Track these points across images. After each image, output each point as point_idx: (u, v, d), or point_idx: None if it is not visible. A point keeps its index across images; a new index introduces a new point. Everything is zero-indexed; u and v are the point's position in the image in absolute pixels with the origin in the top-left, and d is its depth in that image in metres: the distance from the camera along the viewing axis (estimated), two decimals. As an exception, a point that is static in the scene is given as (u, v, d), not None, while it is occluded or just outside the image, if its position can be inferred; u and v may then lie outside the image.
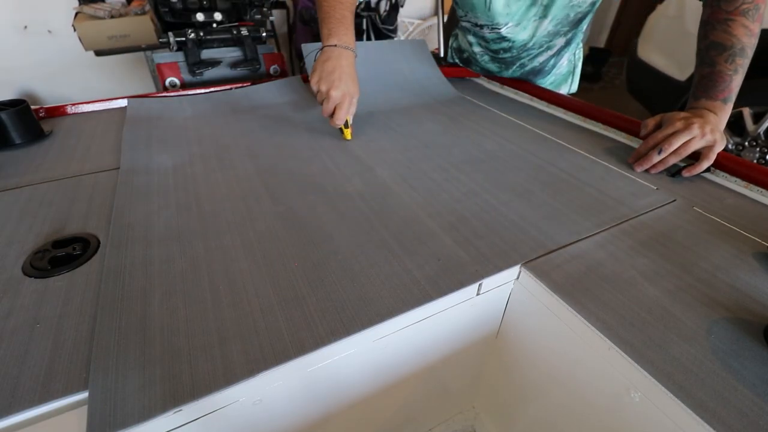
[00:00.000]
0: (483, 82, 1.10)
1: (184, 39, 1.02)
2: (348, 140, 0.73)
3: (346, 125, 0.72)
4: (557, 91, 1.02)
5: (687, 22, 1.81)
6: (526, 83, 1.00)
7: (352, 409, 0.47)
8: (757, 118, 1.68)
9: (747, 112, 1.70)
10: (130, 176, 0.61)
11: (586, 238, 0.50)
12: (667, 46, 1.95)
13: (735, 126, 1.77)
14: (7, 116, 0.69)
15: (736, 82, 0.61)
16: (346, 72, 0.69)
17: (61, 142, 0.73)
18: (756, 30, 0.61)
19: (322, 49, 0.71)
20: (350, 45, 0.72)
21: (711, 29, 0.61)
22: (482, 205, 0.56)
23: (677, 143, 0.60)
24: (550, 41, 0.93)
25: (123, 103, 0.88)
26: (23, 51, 1.84)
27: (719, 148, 0.60)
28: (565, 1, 0.84)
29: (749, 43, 0.61)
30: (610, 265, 0.46)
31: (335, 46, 0.70)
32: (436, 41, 1.26)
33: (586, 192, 0.60)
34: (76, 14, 1.51)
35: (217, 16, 1.06)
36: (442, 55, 1.23)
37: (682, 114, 0.63)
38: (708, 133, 0.59)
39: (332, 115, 0.70)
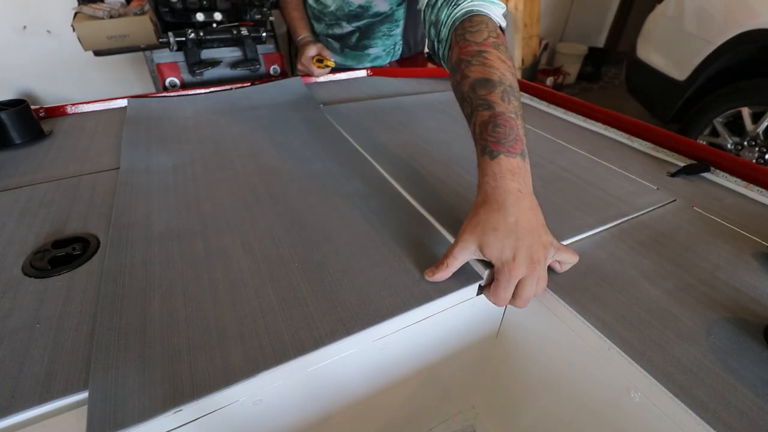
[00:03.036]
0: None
1: (184, 39, 1.02)
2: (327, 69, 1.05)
3: (321, 61, 1.04)
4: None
5: (686, 22, 1.81)
6: (526, 83, 1.00)
7: (352, 409, 0.47)
8: (756, 118, 1.69)
9: (746, 111, 1.70)
10: (130, 176, 0.61)
11: (586, 238, 0.50)
12: (667, 46, 1.95)
13: (734, 126, 1.77)
14: (7, 116, 0.69)
15: (522, 130, 0.43)
16: (309, 44, 1.07)
17: (61, 142, 0.73)
18: (513, 70, 0.47)
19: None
20: (305, 36, 1.12)
21: (467, 66, 0.47)
22: None
23: (513, 302, 0.41)
24: None
25: (123, 103, 0.88)
26: (22, 51, 1.84)
27: (552, 257, 0.41)
28: None
29: (515, 84, 0.46)
30: (610, 265, 0.46)
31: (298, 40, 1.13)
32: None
33: (587, 190, 0.60)
34: (75, 14, 1.51)
35: (217, 16, 1.06)
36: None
37: (490, 256, 0.40)
38: (535, 264, 0.38)
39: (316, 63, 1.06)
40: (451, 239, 0.49)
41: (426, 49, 1.31)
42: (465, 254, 0.41)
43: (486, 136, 0.42)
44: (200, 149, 0.69)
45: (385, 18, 1.11)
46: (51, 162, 0.66)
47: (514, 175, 0.40)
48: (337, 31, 1.15)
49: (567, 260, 0.43)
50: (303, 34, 1.13)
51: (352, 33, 1.15)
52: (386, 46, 1.19)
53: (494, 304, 0.40)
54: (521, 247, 0.38)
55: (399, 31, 1.16)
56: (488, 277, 0.42)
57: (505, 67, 0.46)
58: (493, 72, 0.45)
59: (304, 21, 1.16)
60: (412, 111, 0.87)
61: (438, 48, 0.57)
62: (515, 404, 0.58)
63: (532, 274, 0.38)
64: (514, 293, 0.39)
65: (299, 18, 1.15)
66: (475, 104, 0.44)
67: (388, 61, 1.23)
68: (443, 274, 0.42)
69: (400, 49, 1.22)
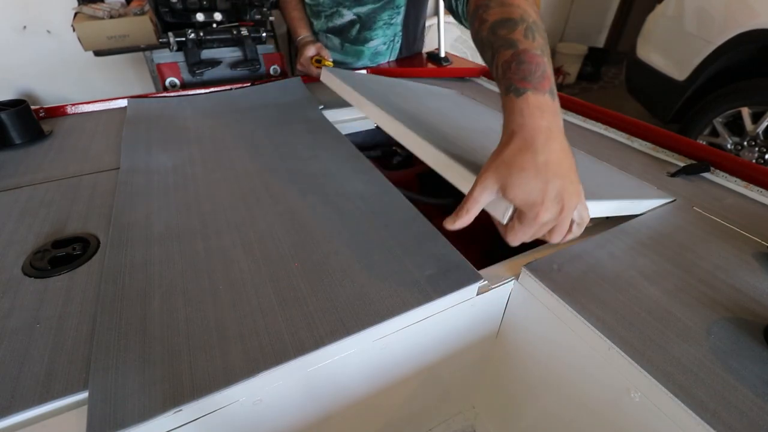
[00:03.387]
0: (483, 82, 1.10)
1: (184, 39, 1.02)
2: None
3: (319, 61, 1.04)
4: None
5: (686, 22, 1.81)
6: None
7: (352, 409, 0.47)
8: (756, 118, 1.69)
9: (746, 111, 1.70)
10: (130, 176, 0.61)
11: (586, 237, 0.50)
12: (666, 46, 1.95)
13: (734, 126, 1.77)
14: (7, 116, 0.69)
15: (550, 68, 0.39)
16: (308, 44, 1.08)
17: (61, 142, 0.73)
18: (536, 8, 0.43)
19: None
20: (304, 36, 1.15)
21: (485, 10, 0.42)
22: None
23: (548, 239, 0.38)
24: None
25: (123, 103, 0.88)
26: (22, 51, 1.84)
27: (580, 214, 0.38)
28: None
29: (539, 22, 0.41)
30: (610, 265, 0.46)
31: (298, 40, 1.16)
32: (436, 41, 1.27)
33: (588, 188, 0.60)
34: (76, 14, 1.51)
35: (217, 16, 1.06)
36: (442, 55, 1.24)
37: (517, 197, 0.35)
38: (564, 211, 0.35)
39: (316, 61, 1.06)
40: (450, 239, 0.49)
41: (425, 50, 1.31)
42: (485, 195, 0.36)
43: (510, 75, 0.37)
44: (200, 149, 0.69)
45: (387, 3, 1.11)
46: (51, 162, 0.66)
47: (543, 113, 0.36)
48: (338, 21, 1.14)
49: (585, 219, 0.39)
50: (303, 34, 1.14)
51: (352, 24, 1.14)
52: (387, 37, 1.18)
53: (508, 242, 0.37)
54: (551, 189, 0.34)
55: (400, 19, 1.16)
56: (510, 215, 0.37)
57: (527, 3, 0.41)
58: (513, 11, 0.40)
59: (304, 21, 1.17)
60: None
61: (456, 6, 0.55)
62: (515, 404, 0.58)
63: (560, 222, 0.35)
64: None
65: (299, 18, 1.16)
66: (496, 46, 0.40)
67: (387, 58, 1.23)
68: (464, 220, 0.37)
69: (400, 41, 1.21)
